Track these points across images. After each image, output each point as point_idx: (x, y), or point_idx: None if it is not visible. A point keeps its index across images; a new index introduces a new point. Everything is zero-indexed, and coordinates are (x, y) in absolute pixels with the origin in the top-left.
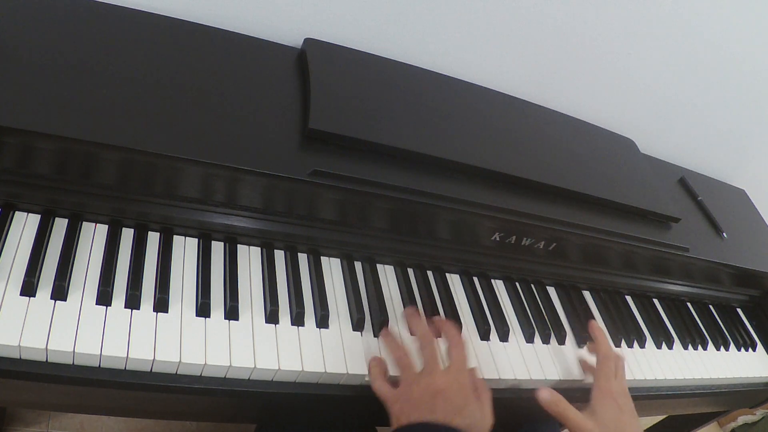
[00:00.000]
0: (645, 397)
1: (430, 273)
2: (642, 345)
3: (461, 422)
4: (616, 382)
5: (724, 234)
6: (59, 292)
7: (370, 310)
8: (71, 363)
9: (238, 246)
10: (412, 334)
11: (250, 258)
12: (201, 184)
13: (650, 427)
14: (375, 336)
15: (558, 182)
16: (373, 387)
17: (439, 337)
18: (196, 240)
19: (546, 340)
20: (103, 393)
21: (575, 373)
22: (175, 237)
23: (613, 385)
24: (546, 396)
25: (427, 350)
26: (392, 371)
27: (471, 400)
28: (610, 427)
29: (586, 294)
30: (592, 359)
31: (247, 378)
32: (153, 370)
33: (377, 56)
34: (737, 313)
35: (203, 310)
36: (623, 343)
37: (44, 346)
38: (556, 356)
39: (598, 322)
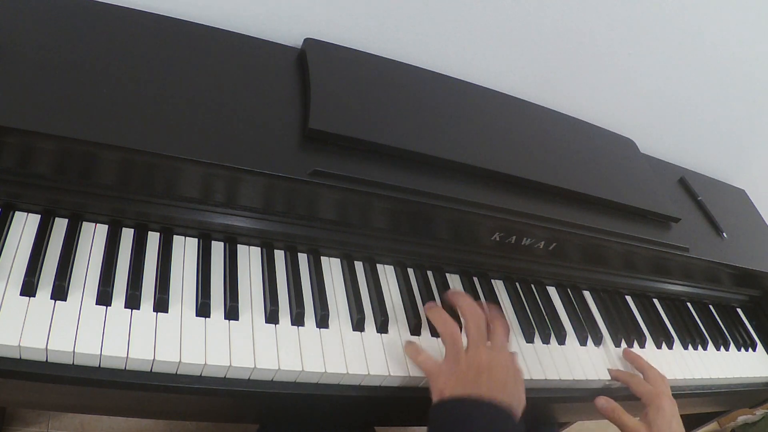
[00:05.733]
0: None
1: (430, 273)
2: (642, 345)
3: (504, 398)
4: (659, 389)
5: (724, 234)
6: (59, 292)
7: (371, 310)
8: (71, 363)
9: (238, 246)
10: (460, 308)
11: (250, 258)
12: (201, 184)
13: None
14: (377, 333)
15: (558, 182)
16: (416, 361)
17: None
18: (196, 240)
19: (546, 340)
20: (103, 393)
21: (576, 373)
22: (175, 237)
23: (660, 392)
24: (602, 404)
25: (473, 326)
26: (412, 373)
27: (512, 379)
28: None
29: (586, 294)
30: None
31: (247, 378)
32: (153, 370)
33: (377, 56)
34: (737, 313)
35: (203, 310)
36: (623, 343)
37: (44, 346)
38: (556, 356)
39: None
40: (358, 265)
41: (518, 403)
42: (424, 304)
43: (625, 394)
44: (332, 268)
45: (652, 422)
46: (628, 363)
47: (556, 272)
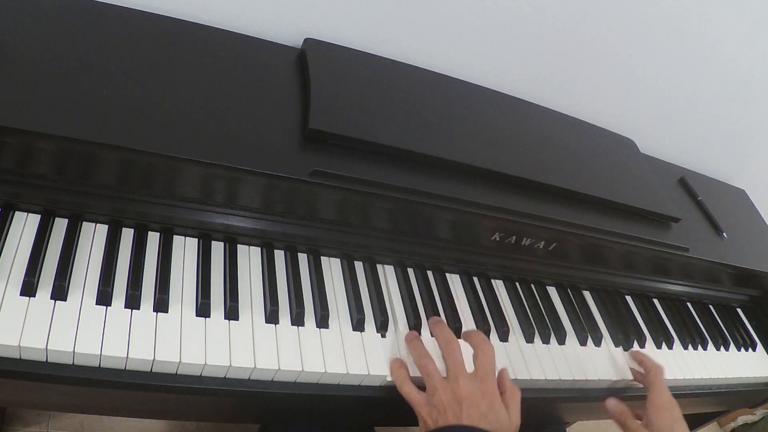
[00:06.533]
0: (645, 397)
1: (430, 273)
2: (642, 345)
3: (487, 426)
4: (666, 394)
5: (724, 234)
6: (59, 292)
7: (371, 310)
8: (71, 363)
9: (238, 246)
10: (437, 340)
11: (250, 258)
12: (201, 184)
13: None
14: (377, 333)
15: (558, 182)
16: (401, 391)
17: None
18: (196, 240)
19: (546, 340)
20: (103, 393)
21: (575, 374)
22: (175, 237)
23: (666, 398)
24: (613, 404)
25: (451, 357)
26: (413, 372)
27: (496, 405)
28: None
29: (586, 294)
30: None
31: (247, 378)
32: (153, 370)
33: (377, 56)
34: (737, 313)
35: (203, 310)
36: (623, 343)
37: (44, 346)
38: (556, 356)
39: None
40: (358, 265)
41: (507, 426)
42: (424, 304)
43: (629, 395)
44: (332, 268)
45: (651, 425)
46: (635, 364)
47: (556, 272)
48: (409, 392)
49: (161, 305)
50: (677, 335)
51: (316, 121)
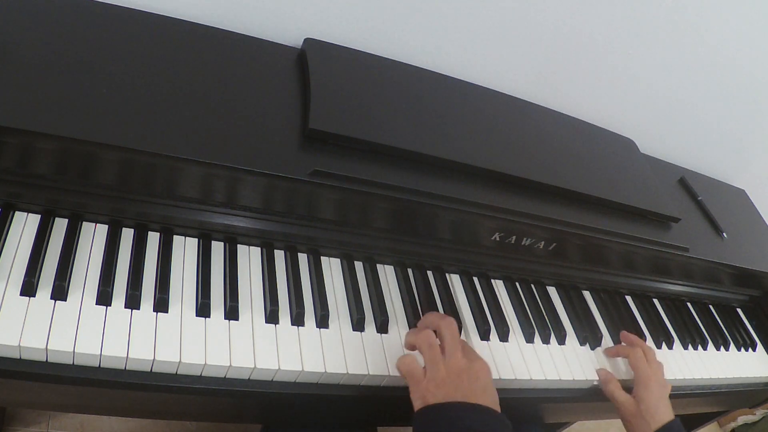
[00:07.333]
0: None
1: (430, 273)
2: None
3: (486, 399)
4: (653, 370)
5: (724, 234)
6: (59, 292)
7: (371, 310)
8: (71, 363)
9: (238, 246)
10: (430, 321)
11: (250, 258)
12: (201, 184)
13: None
14: (377, 333)
15: (558, 182)
16: (400, 364)
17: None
18: (196, 240)
19: (546, 340)
20: (103, 393)
21: (575, 374)
22: (175, 237)
23: (652, 374)
24: (602, 375)
25: (447, 334)
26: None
27: (490, 384)
28: (649, 410)
29: (586, 294)
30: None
31: (247, 378)
32: (153, 370)
33: (377, 56)
34: (737, 313)
35: (203, 310)
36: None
37: (44, 346)
38: (556, 356)
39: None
40: (358, 265)
41: (497, 403)
42: (423, 305)
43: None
44: (332, 268)
45: (640, 400)
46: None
47: (556, 272)
48: (410, 363)
49: (161, 305)
50: (677, 335)
51: (316, 121)
